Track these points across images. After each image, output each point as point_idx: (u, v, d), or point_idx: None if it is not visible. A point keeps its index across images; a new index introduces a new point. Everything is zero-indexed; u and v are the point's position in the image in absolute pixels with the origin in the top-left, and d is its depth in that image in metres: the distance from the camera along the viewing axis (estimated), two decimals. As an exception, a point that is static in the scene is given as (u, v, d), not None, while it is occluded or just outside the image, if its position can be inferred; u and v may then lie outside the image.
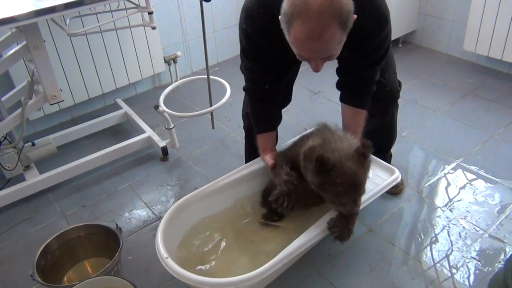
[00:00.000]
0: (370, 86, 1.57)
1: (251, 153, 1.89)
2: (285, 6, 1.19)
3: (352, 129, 1.60)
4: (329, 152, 1.32)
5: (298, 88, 2.58)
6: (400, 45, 3.33)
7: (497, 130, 2.35)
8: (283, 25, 1.22)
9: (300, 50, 1.24)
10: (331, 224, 1.46)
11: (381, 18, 1.36)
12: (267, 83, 1.57)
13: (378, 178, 1.68)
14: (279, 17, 1.23)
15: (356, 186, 1.33)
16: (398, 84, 1.76)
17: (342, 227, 1.45)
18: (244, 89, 1.67)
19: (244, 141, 2.00)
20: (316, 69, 1.31)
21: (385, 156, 1.92)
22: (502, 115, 2.47)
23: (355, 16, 1.22)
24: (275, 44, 1.37)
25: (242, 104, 1.90)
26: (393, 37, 3.13)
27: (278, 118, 1.73)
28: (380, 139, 1.90)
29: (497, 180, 2.03)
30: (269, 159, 1.64)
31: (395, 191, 1.96)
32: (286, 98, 1.84)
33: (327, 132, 1.46)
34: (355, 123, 1.62)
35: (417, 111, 2.56)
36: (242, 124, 1.94)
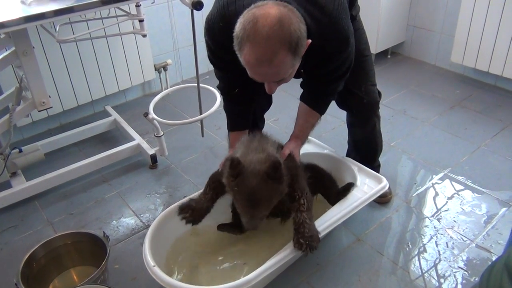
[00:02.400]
0: (330, 96, 1.58)
1: None
2: (237, 28, 1.19)
3: (299, 124, 1.62)
4: (246, 161, 1.32)
5: (288, 97, 2.59)
6: (389, 56, 3.36)
7: (484, 141, 2.38)
8: (235, 47, 1.22)
9: (251, 73, 1.25)
10: (294, 241, 1.42)
11: (342, 40, 1.35)
12: (236, 88, 1.57)
13: (366, 186, 1.69)
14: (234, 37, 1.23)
15: (252, 202, 1.31)
16: (378, 95, 1.78)
17: (302, 238, 1.41)
18: (217, 86, 1.67)
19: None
20: (270, 91, 1.32)
21: (373, 165, 1.92)
22: (489, 126, 2.51)
23: (309, 40, 1.24)
24: (236, 57, 1.33)
25: None
26: (382, 48, 3.18)
27: (251, 119, 1.73)
28: (366, 149, 1.93)
29: (484, 190, 2.05)
30: (226, 157, 1.60)
31: (383, 201, 1.97)
32: (267, 102, 1.86)
33: (253, 141, 1.45)
34: (305, 120, 1.62)
35: (406, 121, 2.58)
36: None
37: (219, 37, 1.37)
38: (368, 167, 1.79)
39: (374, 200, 1.79)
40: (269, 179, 1.29)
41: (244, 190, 1.30)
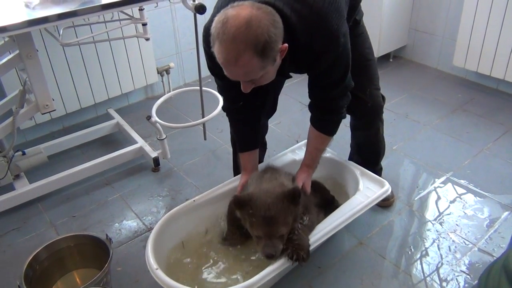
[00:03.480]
0: (335, 113, 1.55)
1: (239, 168, 1.87)
2: (211, 27, 1.21)
3: (309, 151, 1.64)
4: (259, 188, 1.39)
5: (290, 100, 2.60)
6: (391, 60, 3.37)
7: (486, 145, 2.38)
8: (211, 46, 1.24)
9: (224, 70, 1.26)
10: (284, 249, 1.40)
11: (330, 38, 1.31)
12: (240, 100, 1.55)
13: (368, 190, 1.69)
14: None
15: (268, 219, 1.32)
16: (382, 99, 1.78)
17: (291, 245, 1.40)
18: (222, 107, 1.67)
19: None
20: (244, 89, 1.32)
21: (375, 169, 1.92)
22: (491, 130, 2.51)
23: (286, 45, 1.23)
24: None
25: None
26: (384, 52, 3.19)
27: (260, 135, 1.73)
28: (368, 153, 1.93)
29: (486, 194, 2.05)
30: (241, 182, 1.64)
31: (385, 204, 1.97)
32: (271, 109, 1.85)
33: (266, 173, 1.53)
34: (315, 147, 1.63)
35: (408, 125, 2.58)
36: None
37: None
38: (370, 171, 1.78)
39: (377, 204, 1.79)
40: (285, 199, 1.34)
41: (257, 210, 1.33)
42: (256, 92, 1.51)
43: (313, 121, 1.60)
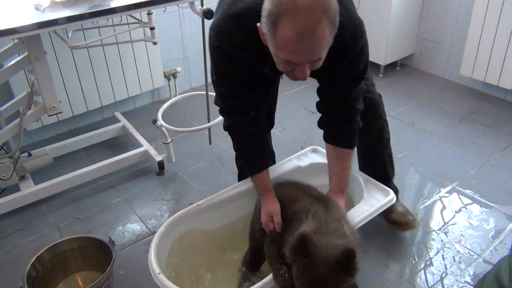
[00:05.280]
0: (354, 120, 1.47)
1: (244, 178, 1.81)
2: (268, 6, 1.10)
3: (338, 174, 1.51)
4: (320, 243, 1.16)
5: (295, 106, 2.59)
6: (398, 68, 3.36)
7: (492, 155, 2.36)
8: (266, 29, 1.13)
9: (288, 52, 1.13)
10: None
11: (357, 28, 1.28)
12: (250, 109, 1.43)
13: (373, 199, 1.67)
14: (261, 21, 1.15)
15: None
16: (379, 96, 1.71)
17: None
18: (225, 127, 1.49)
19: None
20: (304, 75, 1.19)
21: (391, 180, 1.84)
22: (497, 140, 2.49)
23: None
24: (251, 60, 1.30)
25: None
26: (391, 60, 3.19)
27: (269, 151, 1.59)
28: (377, 169, 1.81)
29: (492, 205, 2.03)
30: (276, 211, 1.40)
31: (406, 228, 1.85)
32: (269, 124, 1.79)
33: (323, 216, 1.28)
34: (340, 167, 1.51)
35: (414, 133, 2.57)
36: None
37: (232, 38, 1.27)
38: None
39: (401, 230, 1.80)
40: (340, 270, 1.12)
41: (309, 275, 1.14)
42: (262, 100, 1.48)
43: (331, 138, 1.51)
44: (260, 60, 1.31)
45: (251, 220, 1.58)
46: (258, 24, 1.17)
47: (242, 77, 1.36)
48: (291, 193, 1.46)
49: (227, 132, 1.51)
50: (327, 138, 1.52)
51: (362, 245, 1.80)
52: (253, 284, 1.48)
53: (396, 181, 2.16)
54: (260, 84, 1.44)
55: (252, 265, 1.57)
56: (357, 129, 1.50)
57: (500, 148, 2.42)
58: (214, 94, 2.38)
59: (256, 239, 1.51)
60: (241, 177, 1.86)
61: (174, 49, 2.96)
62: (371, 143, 1.78)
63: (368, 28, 1.34)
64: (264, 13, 1.12)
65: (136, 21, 2.14)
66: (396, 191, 1.83)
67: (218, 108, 1.48)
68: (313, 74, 1.33)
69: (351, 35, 1.26)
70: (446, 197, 2.09)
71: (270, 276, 1.36)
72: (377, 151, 1.82)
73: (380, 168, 1.83)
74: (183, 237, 1.64)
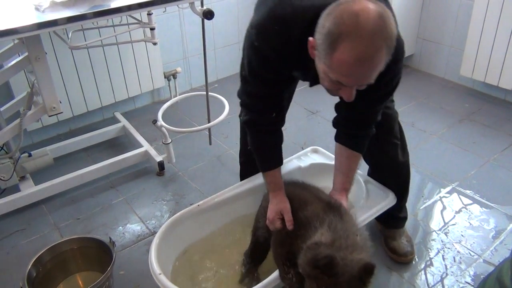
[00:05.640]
0: (370, 127, 1.45)
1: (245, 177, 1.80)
2: (328, 24, 1.06)
3: (344, 174, 1.50)
4: (341, 259, 1.13)
5: (296, 107, 2.60)
6: (398, 68, 3.36)
7: (493, 155, 2.37)
8: (321, 47, 1.09)
9: (341, 74, 1.10)
10: None
11: (400, 49, 1.24)
12: (273, 111, 1.41)
13: (373, 200, 1.67)
14: (315, 36, 1.11)
15: None
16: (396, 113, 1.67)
17: None
18: (245, 121, 1.45)
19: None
20: (350, 97, 1.18)
21: (400, 204, 1.75)
22: (498, 140, 2.49)
23: None
24: (288, 64, 1.29)
25: (240, 143, 1.82)
26: (391, 60, 3.18)
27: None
28: (389, 175, 1.72)
29: (492, 205, 2.03)
30: (287, 209, 1.39)
31: (403, 260, 1.77)
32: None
33: (339, 227, 1.25)
34: (348, 168, 1.50)
35: (414, 134, 2.57)
36: (238, 141, 1.88)
37: (274, 41, 1.23)
38: (395, 207, 1.65)
39: (395, 260, 1.75)
40: (361, 286, 1.12)
41: None
42: (284, 103, 1.46)
43: (343, 139, 1.48)
44: (297, 66, 1.29)
45: (256, 215, 1.57)
46: (310, 38, 1.14)
47: (275, 80, 1.34)
48: (300, 195, 1.45)
49: (237, 150, 1.47)
50: (339, 139, 1.51)
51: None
52: (253, 279, 1.49)
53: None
54: (287, 86, 1.42)
55: (252, 261, 1.56)
56: (370, 135, 1.48)
57: (500, 148, 2.42)
58: (214, 94, 2.41)
59: (258, 235, 1.51)
60: (243, 174, 1.85)
61: (174, 50, 2.96)
62: (384, 148, 1.67)
63: (368, 28, 1.33)
64: (322, 30, 1.08)
65: (136, 21, 2.14)
66: (405, 218, 1.82)
67: (240, 101, 1.45)
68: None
69: (394, 57, 1.20)
70: (446, 197, 2.09)
71: (274, 274, 1.36)
72: (390, 159, 1.70)
73: (394, 179, 1.73)
74: (184, 237, 1.65)
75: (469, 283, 1.65)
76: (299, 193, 1.46)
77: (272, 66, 1.28)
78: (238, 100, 1.45)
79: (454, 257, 1.77)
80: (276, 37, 1.22)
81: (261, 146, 1.49)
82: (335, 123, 1.50)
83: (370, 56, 1.05)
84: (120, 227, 1.99)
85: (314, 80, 1.30)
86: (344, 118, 1.47)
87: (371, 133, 1.47)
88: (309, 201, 1.39)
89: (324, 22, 1.07)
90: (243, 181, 1.76)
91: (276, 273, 1.36)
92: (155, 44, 2.23)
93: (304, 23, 1.16)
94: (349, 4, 1.05)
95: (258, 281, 1.47)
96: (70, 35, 2.08)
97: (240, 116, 1.51)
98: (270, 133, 1.47)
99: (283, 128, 1.45)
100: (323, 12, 1.10)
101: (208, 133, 2.47)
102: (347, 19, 1.03)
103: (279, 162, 1.49)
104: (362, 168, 1.78)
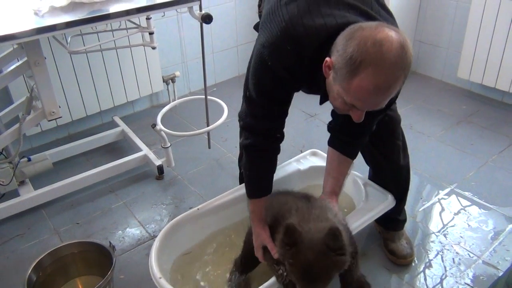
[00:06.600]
0: (364, 136, 1.47)
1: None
2: (352, 50, 1.05)
3: (335, 178, 1.51)
4: (304, 230, 1.17)
5: (294, 110, 2.61)
6: (395, 71, 3.37)
7: (491, 157, 2.37)
8: (341, 71, 1.09)
9: (357, 99, 1.11)
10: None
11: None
12: (278, 131, 1.41)
13: (372, 202, 1.68)
14: (333, 57, 1.11)
15: (309, 277, 1.15)
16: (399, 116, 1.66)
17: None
18: (245, 145, 1.42)
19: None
20: (360, 119, 1.19)
21: (399, 207, 1.75)
22: (495, 142, 2.50)
23: None
24: (300, 83, 1.30)
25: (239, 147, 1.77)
26: (389, 63, 3.19)
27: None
28: (392, 182, 1.73)
29: (491, 206, 2.04)
30: (269, 241, 1.39)
31: (402, 262, 1.77)
32: None
33: (305, 207, 1.32)
34: (339, 172, 1.51)
35: (412, 136, 2.58)
36: (237, 144, 1.89)
37: (287, 61, 1.22)
38: (394, 210, 1.67)
39: (394, 262, 1.76)
40: (329, 251, 1.13)
41: (300, 264, 1.15)
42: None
43: (337, 144, 1.50)
44: (308, 84, 1.30)
45: (249, 228, 1.58)
46: (327, 58, 1.14)
47: (284, 100, 1.34)
48: (281, 200, 1.48)
49: (236, 153, 1.46)
50: (333, 144, 1.52)
51: (362, 248, 1.81)
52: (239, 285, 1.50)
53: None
54: (290, 102, 1.40)
55: (242, 268, 1.57)
56: (364, 143, 1.50)
57: (498, 150, 2.43)
58: (212, 98, 2.41)
59: (249, 248, 1.50)
60: (242, 179, 1.86)
61: (172, 54, 2.97)
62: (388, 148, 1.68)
63: (366, 31, 1.34)
64: (343, 54, 1.08)
65: (135, 26, 2.15)
66: (404, 221, 1.83)
67: (242, 123, 1.42)
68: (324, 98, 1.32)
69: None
70: (445, 199, 2.10)
71: (271, 281, 1.37)
72: (392, 162, 1.70)
73: (395, 182, 1.73)
74: (184, 241, 1.65)
75: (468, 285, 1.66)
76: (280, 199, 1.49)
77: (284, 86, 1.29)
78: (238, 107, 1.44)
79: (453, 259, 1.78)
80: (289, 57, 1.22)
81: (255, 174, 1.47)
82: (330, 128, 1.51)
83: (388, 86, 1.07)
84: (120, 231, 1.99)
85: (324, 97, 1.30)
86: (339, 125, 1.47)
87: (365, 141, 1.49)
88: (287, 202, 1.43)
89: (346, 47, 1.07)
90: (242, 185, 1.76)
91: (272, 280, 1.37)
92: (154, 48, 2.24)
93: (316, 43, 1.17)
94: (372, 31, 1.06)
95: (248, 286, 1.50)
96: (69, 40, 2.08)
97: (240, 138, 1.48)
98: (267, 160, 1.46)
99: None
100: (342, 33, 1.11)
101: (207, 136, 2.47)
102: (371, 47, 1.04)
103: (268, 191, 1.48)
104: (362, 171, 1.81)
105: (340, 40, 1.10)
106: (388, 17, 1.27)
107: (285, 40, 1.20)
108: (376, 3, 1.26)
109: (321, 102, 1.37)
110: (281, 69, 1.24)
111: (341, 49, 1.09)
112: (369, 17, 1.20)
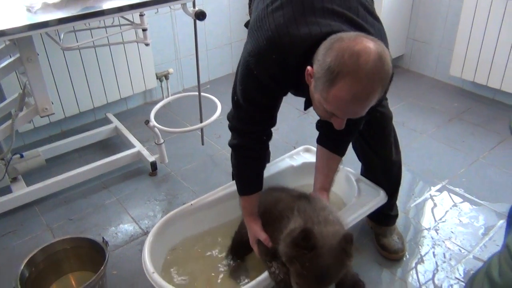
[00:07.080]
0: (352, 134, 1.51)
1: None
2: (330, 60, 1.07)
3: (325, 175, 1.55)
4: (320, 234, 1.20)
5: (287, 107, 2.61)
6: (388, 69, 3.39)
7: (482, 154, 2.40)
8: (320, 80, 1.11)
9: (336, 108, 1.13)
10: None
11: (390, 78, 1.20)
12: (265, 133, 1.43)
13: (365, 198, 1.69)
14: (314, 66, 1.14)
15: (323, 280, 1.19)
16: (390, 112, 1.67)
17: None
18: (232, 145, 1.45)
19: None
20: (341, 126, 1.22)
21: (391, 202, 1.76)
22: (487, 139, 2.52)
23: None
24: (285, 90, 1.32)
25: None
26: (382, 61, 3.20)
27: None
28: (384, 180, 1.75)
29: (482, 202, 2.06)
30: (262, 233, 1.44)
31: (394, 257, 1.78)
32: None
33: (308, 208, 1.34)
34: (329, 168, 1.55)
35: (404, 133, 2.60)
36: None
37: (272, 70, 1.24)
38: (386, 205, 1.70)
39: (386, 257, 1.77)
40: (343, 256, 1.19)
41: (318, 268, 1.17)
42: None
43: (325, 142, 1.53)
44: (293, 91, 1.33)
45: (241, 222, 1.61)
46: (308, 67, 1.16)
47: (270, 106, 1.37)
48: (275, 196, 1.53)
49: (230, 149, 1.50)
50: (322, 142, 1.54)
51: (354, 244, 1.82)
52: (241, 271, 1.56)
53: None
54: (279, 106, 1.43)
55: (235, 255, 1.63)
56: (351, 140, 1.53)
57: (489, 147, 2.45)
58: (206, 95, 2.41)
59: (243, 233, 1.55)
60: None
61: (166, 51, 2.97)
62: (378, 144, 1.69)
63: (358, 28, 1.36)
64: (322, 64, 1.10)
65: (128, 22, 2.15)
66: (396, 216, 1.84)
67: (230, 125, 1.45)
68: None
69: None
70: (436, 195, 2.12)
71: (263, 275, 1.38)
72: (390, 164, 1.73)
73: (386, 175, 1.75)
74: (177, 236, 1.65)
75: (459, 279, 1.68)
76: (274, 195, 1.54)
77: (271, 93, 1.31)
78: (230, 99, 1.44)
79: (444, 254, 1.79)
80: (274, 66, 1.23)
81: (244, 172, 1.49)
82: (319, 126, 1.54)
83: (366, 96, 1.09)
84: (113, 227, 1.99)
85: (308, 103, 1.33)
86: (327, 122, 1.45)
87: (352, 139, 1.52)
88: (281, 198, 1.48)
89: (325, 57, 1.09)
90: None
91: (265, 274, 1.38)
92: (147, 45, 2.23)
93: (301, 51, 1.18)
94: (351, 42, 1.07)
95: (247, 272, 1.55)
96: (62, 36, 2.08)
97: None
98: (255, 159, 1.47)
99: (274, 128, 1.46)
100: (323, 43, 1.12)
101: (200, 133, 2.47)
102: (348, 58, 1.05)
103: (259, 187, 1.50)
104: (354, 167, 1.82)
105: (321, 50, 1.12)
106: (374, 23, 1.28)
107: (271, 50, 1.22)
108: (363, 9, 1.27)
109: (306, 108, 1.41)
110: (267, 78, 1.25)
111: (321, 59, 1.11)
112: (355, 24, 1.21)
